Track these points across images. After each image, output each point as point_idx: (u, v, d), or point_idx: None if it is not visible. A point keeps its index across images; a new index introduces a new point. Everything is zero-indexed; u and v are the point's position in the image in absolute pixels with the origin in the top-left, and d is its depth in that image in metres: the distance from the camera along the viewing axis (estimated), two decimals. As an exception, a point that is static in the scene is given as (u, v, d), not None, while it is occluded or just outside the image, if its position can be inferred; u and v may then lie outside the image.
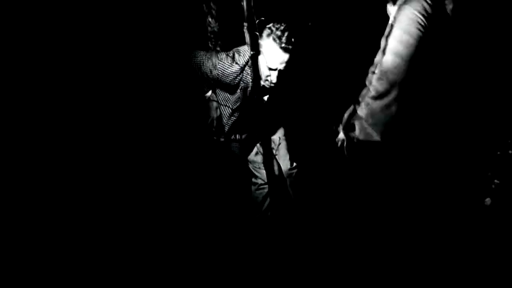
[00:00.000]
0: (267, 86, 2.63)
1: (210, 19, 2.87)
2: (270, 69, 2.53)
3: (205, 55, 2.61)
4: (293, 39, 2.49)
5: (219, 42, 2.89)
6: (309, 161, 2.96)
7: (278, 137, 2.91)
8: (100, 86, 2.74)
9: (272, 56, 2.50)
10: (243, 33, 2.70)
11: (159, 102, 2.86)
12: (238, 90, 2.66)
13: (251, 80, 2.60)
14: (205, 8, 2.84)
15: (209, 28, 2.88)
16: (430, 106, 1.59)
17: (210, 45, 2.91)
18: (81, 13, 2.60)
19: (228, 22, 2.88)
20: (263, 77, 2.59)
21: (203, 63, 2.61)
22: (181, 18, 2.90)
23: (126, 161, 2.77)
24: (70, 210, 2.60)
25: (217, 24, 2.88)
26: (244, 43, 2.59)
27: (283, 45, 2.46)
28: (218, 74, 2.59)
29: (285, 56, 2.49)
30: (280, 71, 2.53)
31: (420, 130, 1.61)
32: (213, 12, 2.86)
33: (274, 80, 2.56)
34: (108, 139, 2.74)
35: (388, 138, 1.51)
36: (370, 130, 1.53)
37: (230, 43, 2.84)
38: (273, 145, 2.89)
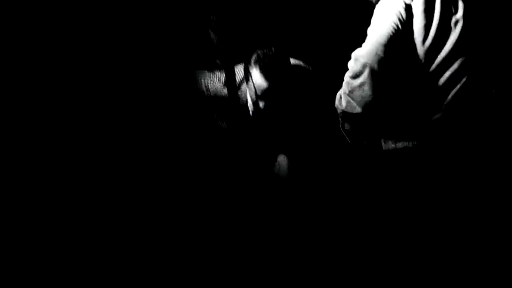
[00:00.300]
0: (261, 107, 2.56)
1: (210, 31, 2.80)
2: (259, 94, 2.48)
3: (198, 75, 2.56)
4: (282, 66, 2.45)
5: (219, 55, 2.82)
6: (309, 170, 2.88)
7: (278, 153, 2.83)
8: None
9: (260, 83, 2.45)
10: (244, 45, 2.70)
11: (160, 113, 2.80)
12: None
13: (245, 101, 2.55)
14: (205, 19, 2.77)
15: (209, 41, 2.81)
16: (400, 85, 1.94)
17: (209, 58, 2.84)
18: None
19: (229, 35, 2.82)
20: (252, 101, 2.53)
21: (196, 83, 2.55)
22: (179, 30, 2.84)
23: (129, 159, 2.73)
24: (70, 210, 2.56)
25: (216, 36, 2.81)
26: (243, 57, 2.61)
27: (270, 72, 2.41)
28: (211, 96, 2.53)
29: (273, 84, 2.44)
30: (271, 95, 2.49)
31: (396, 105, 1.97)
32: (213, 24, 2.80)
33: (262, 105, 2.50)
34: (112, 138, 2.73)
35: (369, 109, 1.89)
36: (353, 103, 1.90)
37: (231, 56, 2.81)
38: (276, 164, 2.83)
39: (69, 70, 2.65)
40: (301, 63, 2.73)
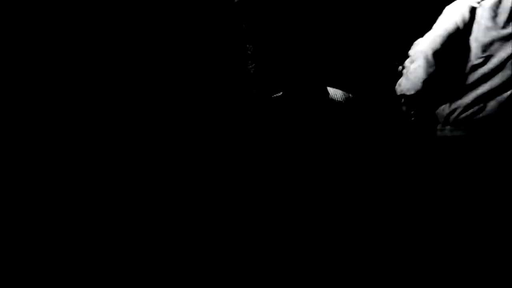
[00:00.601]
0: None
1: (246, 59, 2.79)
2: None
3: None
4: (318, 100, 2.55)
5: (256, 85, 2.79)
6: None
7: None
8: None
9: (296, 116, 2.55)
10: (278, 74, 2.69)
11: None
12: None
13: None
14: (241, 49, 2.77)
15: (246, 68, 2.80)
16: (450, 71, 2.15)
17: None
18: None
19: (265, 63, 2.81)
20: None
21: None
22: (217, 59, 2.83)
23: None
24: (70, 210, 2.53)
25: (253, 65, 2.79)
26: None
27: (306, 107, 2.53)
28: None
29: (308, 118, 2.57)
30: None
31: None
32: (249, 52, 2.78)
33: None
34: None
35: (421, 92, 2.15)
36: (408, 85, 2.18)
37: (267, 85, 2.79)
38: None
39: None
40: (338, 93, 2.69)
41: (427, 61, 2.12)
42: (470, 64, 2.09)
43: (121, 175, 2.64)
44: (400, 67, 2.37)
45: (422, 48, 2.15)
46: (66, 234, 2.46)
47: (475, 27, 2.07)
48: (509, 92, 2.04)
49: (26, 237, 2.42)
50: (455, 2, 2.18)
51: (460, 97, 2.14)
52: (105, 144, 2.65)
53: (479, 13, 2.07)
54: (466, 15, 2.09)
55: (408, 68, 2.21)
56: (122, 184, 2.62)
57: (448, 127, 2.17)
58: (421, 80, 2.14)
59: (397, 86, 2.29)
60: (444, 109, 2.19)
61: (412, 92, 2.18)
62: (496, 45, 2.03)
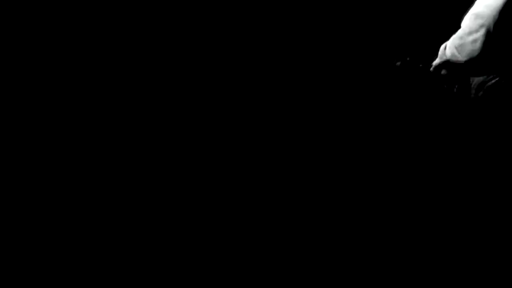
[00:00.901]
0: None
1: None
2: None
3: None
4: None
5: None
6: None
7: None
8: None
9: None
10: None
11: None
12: None
13: None
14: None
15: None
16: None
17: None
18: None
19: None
20: None
21: None
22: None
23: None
24: (70, 210, 2.43)
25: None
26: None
27: None
28: None
29: None
30: None
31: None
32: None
33: None
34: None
35: (471, 61, 2.16)
36: (458, 55, 2.20)
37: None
38: None
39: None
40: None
41: (488, 35, 2.13)
42: None
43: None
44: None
45: (484, 22, 2.14)
46: (66, 234, 2.38)
47: None
48: None
49: (26, 236, 2.36)
50: None
51: (501, 66, 2.19)
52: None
53: None
54: None
55: (464, 39, 2.21)
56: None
57: (481, 93, 2.21)
58: (477, 53, 2.15)
59: (441, 53, 2.31)
60: (482, 76, 2.22)
61: (462, 61, 2.21)
62: None
